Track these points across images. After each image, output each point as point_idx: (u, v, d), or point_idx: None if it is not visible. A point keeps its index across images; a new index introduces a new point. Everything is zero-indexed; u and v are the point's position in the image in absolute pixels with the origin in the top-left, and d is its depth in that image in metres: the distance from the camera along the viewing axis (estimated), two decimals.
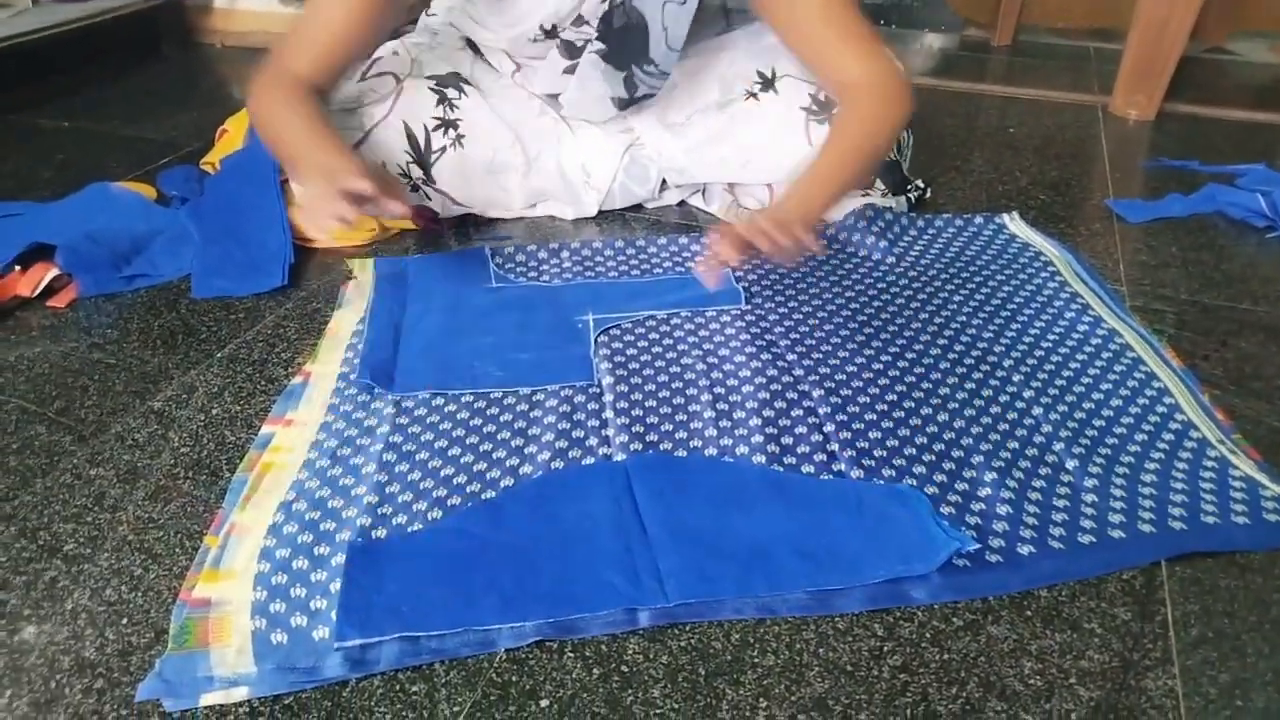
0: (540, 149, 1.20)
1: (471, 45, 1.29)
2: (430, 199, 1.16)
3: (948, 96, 1.72)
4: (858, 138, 1.03)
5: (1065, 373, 0.90)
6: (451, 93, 1.17)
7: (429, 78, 1.17)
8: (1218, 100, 1.70)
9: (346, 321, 0.98)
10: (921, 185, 1.27)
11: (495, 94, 1.20)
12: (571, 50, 1.12)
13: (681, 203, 1.29)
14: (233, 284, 1.05)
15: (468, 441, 0.80)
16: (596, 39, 1.09)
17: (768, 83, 1.17)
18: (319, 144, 0.98)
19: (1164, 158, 1.43)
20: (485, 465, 0.77)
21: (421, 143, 1.14)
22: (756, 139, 1.17)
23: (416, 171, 1.14)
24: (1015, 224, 1.19)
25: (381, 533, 0.70)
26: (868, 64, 1.05)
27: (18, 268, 1.05)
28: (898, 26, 2.20)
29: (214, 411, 0.86)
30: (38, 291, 1.03)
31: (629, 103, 1.16)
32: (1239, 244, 1.17)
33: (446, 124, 1.15)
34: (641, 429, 0.82)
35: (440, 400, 0.85)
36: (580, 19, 1.08)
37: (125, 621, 0.65)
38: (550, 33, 1.11)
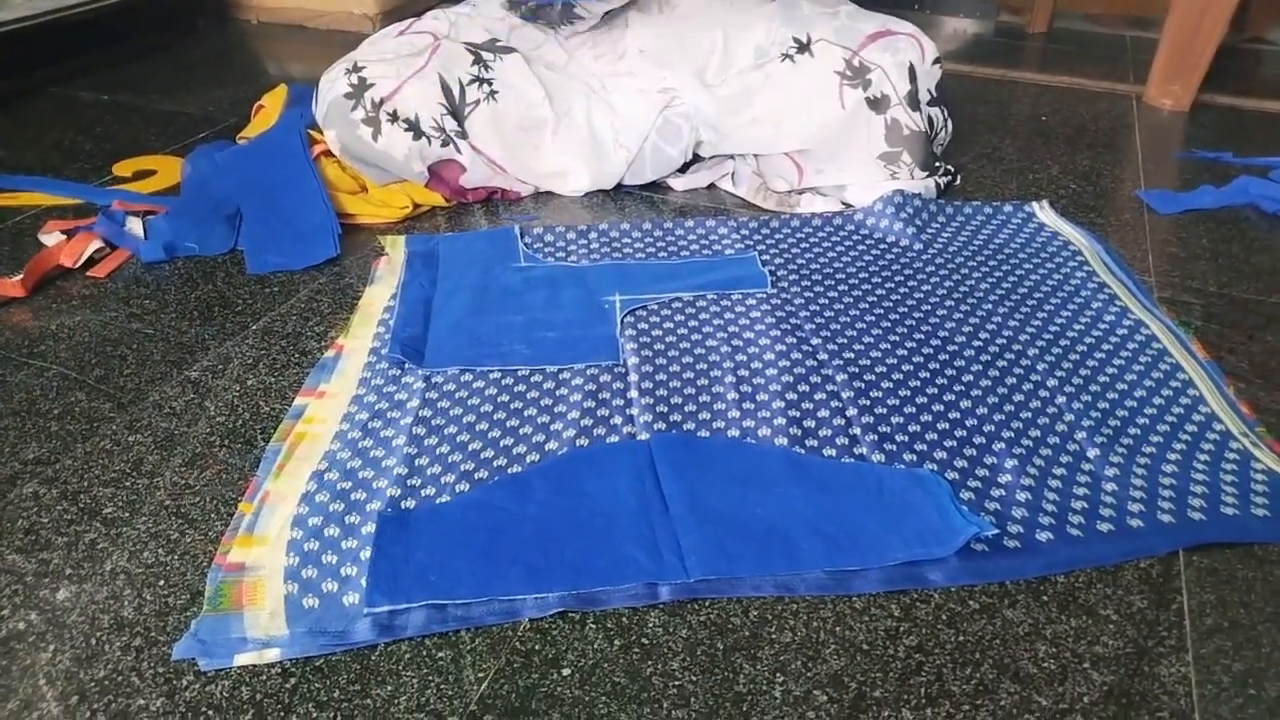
0: (571, 105, 1.21)
1: (513, 6, 1.30)
2: (461, 153, 1.17)
3: (981, 83, 1.71)
4: None
5: (1090, 362, 0.90)
6: (487, 55, 1.19)
7: (466, 42, 1.19)
8: (1256, 92, 1.68)
9: (379, 297, 1.00)
10: (951, 170, 1.27)
11: (531, 56, 1.22)
12: None
13: (710, 185, 1.30)
14: (287, 258, 1.07)
15: (495, 417, 0.82)
16: None
17: (803, 47, 1.20)
18: None
19: (1197, 149, 1.42)
20: (512, 441, 0.79)
21: (456, 95, 1.15)
22: (790, 99, 1.20)
23: (451, 124, 1.16)
24: (1045, 212, 1.19)
25: (410, 503, 0.72)
26: None
27: (63, 236, 1.08)
28: (932, 12, 2.18)
29: (249, 382, 0.88)
30: (80, 262, 1.05)
31: None
32: (1270, 237, 1.16)
33: (481, 80, 1.17)
34: (665, 409, 0.83)
35: (469, 376, 0.87)
36: None
37: (162, 583, 0.67)
38: None
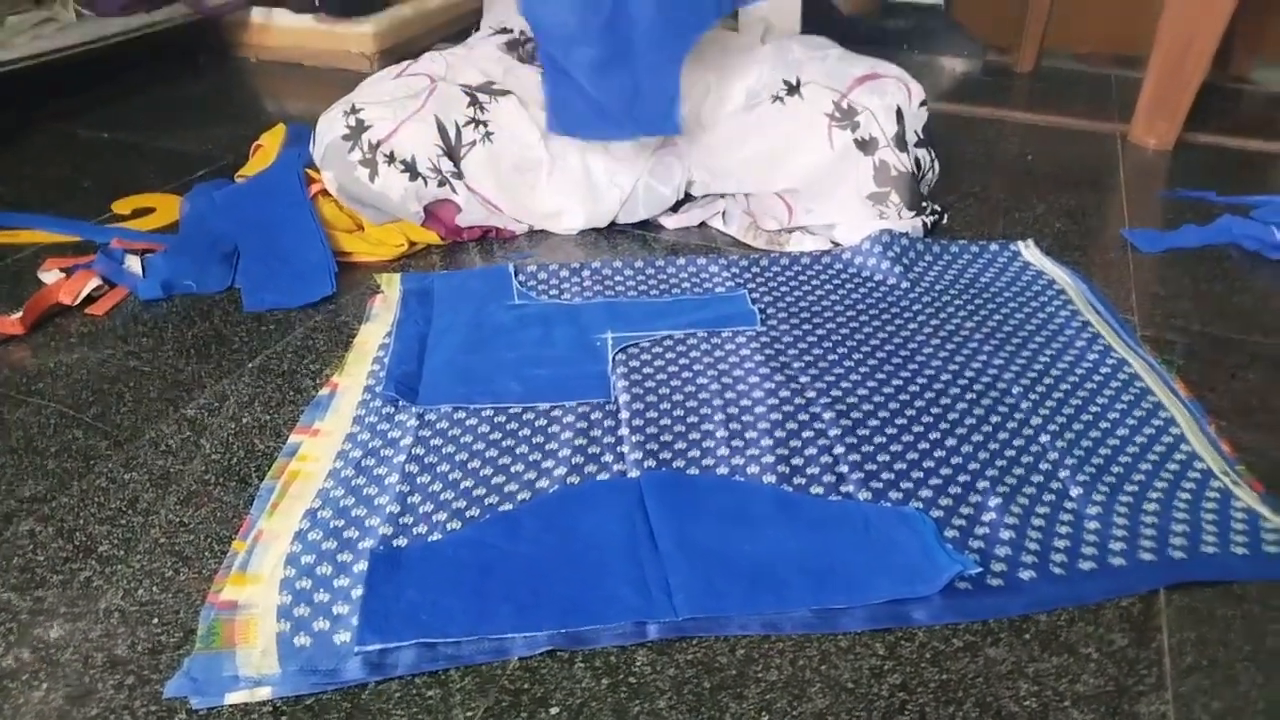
0: (565, 146, 1.23)
1: (510, 48, 1.32)
2: (456, 194, 1.19)
3: (969, 122, 1.74)
4: None
5: (1073, 400, 0.91)
6: (483, 97, 1.21)
7: (462, 84, 1.21)
8: (1238, 130, 1.71)
9: (374, 335, 1.01)
10: (939, 209, 1.29)
11: (527, 97, 1.24)
12: None
13: (702, 224, 1.31)
14: (284, 297, 1.09)
15: (487, 455, 0.83)
16: None
17: (793, 89, 1.22)
18: None
19: (1181, 188, 1.45)
20: (503, 479, 0.80)
21: (453, 137, 1.17)
22: (781, 140, 1.22)
23: (447, 165, 1.17)
24: (1030, 251, 1.21)
25: (402, 542, 0.73)
26: None
27: (62, 274, 1.09)
28: (921, 52, 2.21)
29: (244, 420, 0.89)
30: (78, 300, 1.06)
31: None
32: (1252, 276, 1.18)
33: (477, 122, 1.19)
34: (656, 446, 0.84)
35: (462, 414, 0.88)
36: None
37: (156, 621, 0.68)
38: None
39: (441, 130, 1.17)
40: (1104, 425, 0.88)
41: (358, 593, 0.68)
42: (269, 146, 1.34)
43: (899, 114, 1.20)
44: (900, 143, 1.20)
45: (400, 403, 0.89)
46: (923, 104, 1.23)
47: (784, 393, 0.92)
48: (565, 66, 1.16)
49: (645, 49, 1.16)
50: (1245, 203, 1.37)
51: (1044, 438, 0.86)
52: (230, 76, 2.00)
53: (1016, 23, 2.08)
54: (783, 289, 1.12)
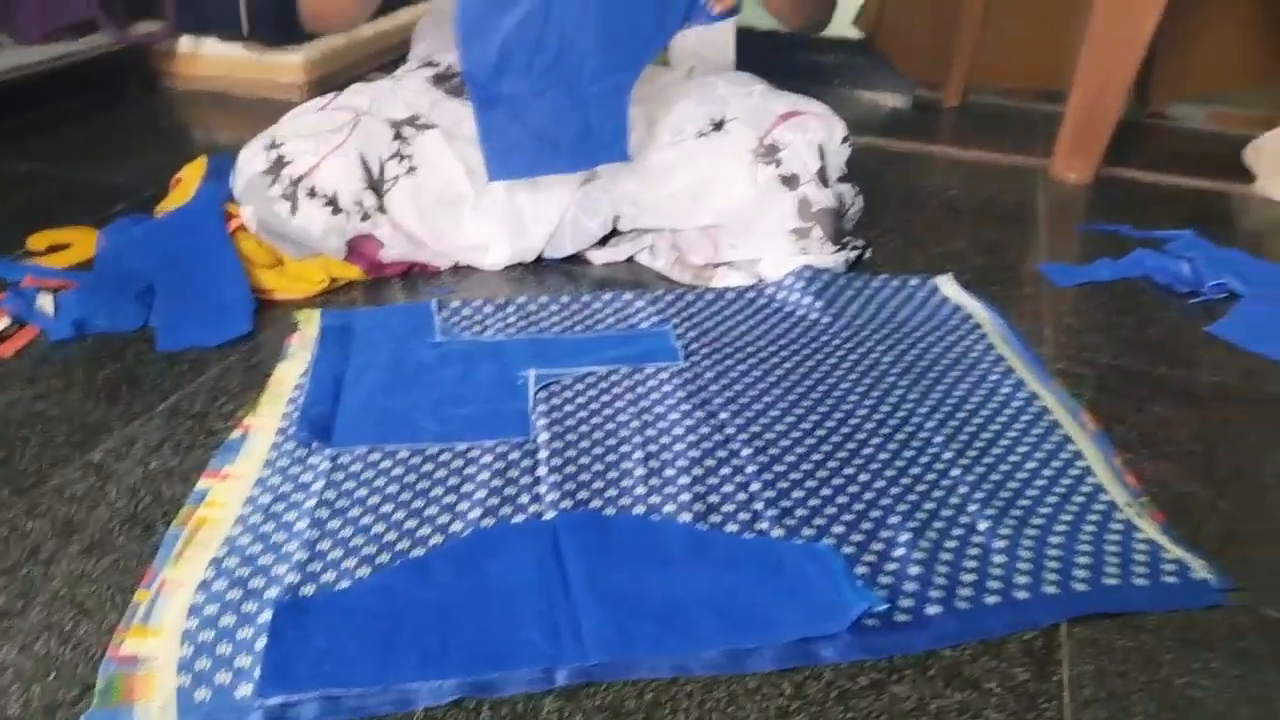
0: (490, 182, 1.23)
1: (437, 82, 1.32)
2: (379, 228, 1.18)
3: (896, 157, 1.78)
4: None
5: (985, 435, 0.93)
6: (408, 130, 1.21)
7: (386, 118, 1.21)
8: (1155, 165, 1.76)
9: (289, 374, 1.00)
10: (862, 244, 1.31)
11: (453, 131, 1.24)
12: None
13: (630, 258, 1.32)
14: (199, 335, 1.06)
15: (401, 498, 0.82)
16: None
17: (717, 125, 1.24)
18: None
19: (1098, 222, 1.49)
20: (416, 522, 0.79)
21: (376, 171, 1.17)
22: (705, 175, 1.23)
23: (370, 199, 1.17)
24: (949, 286, 1.23)
25: (310, 590, 0.72)
26: None
27: None
28: (852, 87, 2.26)
29: (152, 465, 0.87)
30: None
31: None
32: (1163, 309, 1.22)
33: (401, 156, 1.19)
34: (573, 486, 0.84)
35: (376, 456, 0.87)
36: None
37: (52, 677, 0.66)
38: None
39: (364, 164, 1.17)
40: (1013, 459, 0.89)
41: (261, 644, 0.67)
42: (189, 180, 1.32)
43: (821, 150, 1.22)
44: (823, 179, 1.21)
45: (313, 445, 0.88)
46: (845, 140, 1.25)
47: (703, 429, 0.92)
48: (511, 106, 1.17)
49: (593, 81, 1.17)
50: (1159, 237, 1.41)
51: (955, 471, 0.87)
52: (157, 106, 1.97)
53: (944, 59, 2.13)
54: (707, 324, 1.13)
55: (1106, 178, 1.69)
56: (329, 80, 2.00)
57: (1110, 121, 1.64)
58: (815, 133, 1.23)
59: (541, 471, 0.85)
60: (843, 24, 2.16)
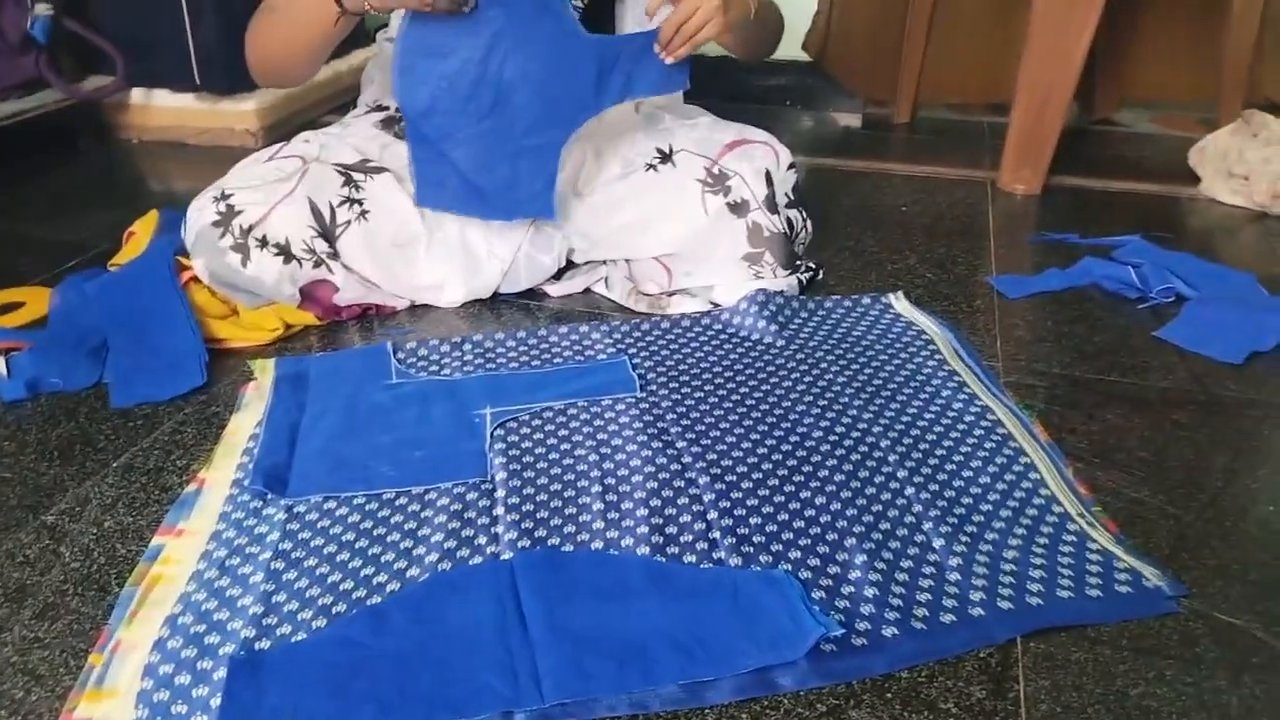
0: (444, 219, 1.23)
1: (386, 125, 1.33)
2: (333, 273, 1.18)
3: (848, 176, 1.80)
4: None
5: (938, 451, 0.94)
6: (358, 175, 1.21)
7: (336, 164, 1.21)
8: (1101, 172, 1.79)
9: (244, 425, 1.00)
10: (814, 266, 1.32)
11: (404, 173, 1.24)
12: None
13: (586, 290, 1.33)
14: (153, 390, 1.06)
15: (357, 546, 0.82)
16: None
17: (666, 157, 1.25)
18: None
19: (1047, 231, 1.51)
20: (373, 570, 0.79)
21: (327, 217, 1.17)
22: (656, 206, 1.25)
23: (322, 245, 1.16)
24: (900, 303, 1.25)
25: (265, 644, 0.71)
26: None
27: None
28: (803, 108, 2.28)
29: (106, 524, 0.86)
30: None
31: None
32: (1112, 316, 1.23)
33: (352, 201, 1.19)
34: (531, 524, 0.84)
35: (332, 504, 0.87)
36: None
37: None
38: None
39: (315, 211, 1.17)
40: (966, 474, 0.90)
41: (217, 702, 0.66)
42: (141, 234, 1.32)
43: (768, 177, 1.23)
44: (771, 205, 1.23)
45: (268, 496, 0.88)
46: (790, 167, 1.26)
47: (660, 459, 0.92)
48: (442, 149, 1.17)
49: (525, 136, 1.18)
50: (1106, 244, 1.44)
51: (909, 489, 0.88)
52: (111, 159, 1.97)
53: (892, 76, 2.16)
54: (663, 352, 1.14)
55: (1055, 187, 1.72)
56: (283, 125, 2.00)
57: (1054, 133, 1.67)
58: (762, 160, 1.24)
59: (499, 511, 0.85)
60: (791, 46, 2.18)
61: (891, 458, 0.92)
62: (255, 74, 1.28)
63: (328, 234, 1.17)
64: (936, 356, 1.11)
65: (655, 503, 0.86)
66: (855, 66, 2.19)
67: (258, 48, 1.23)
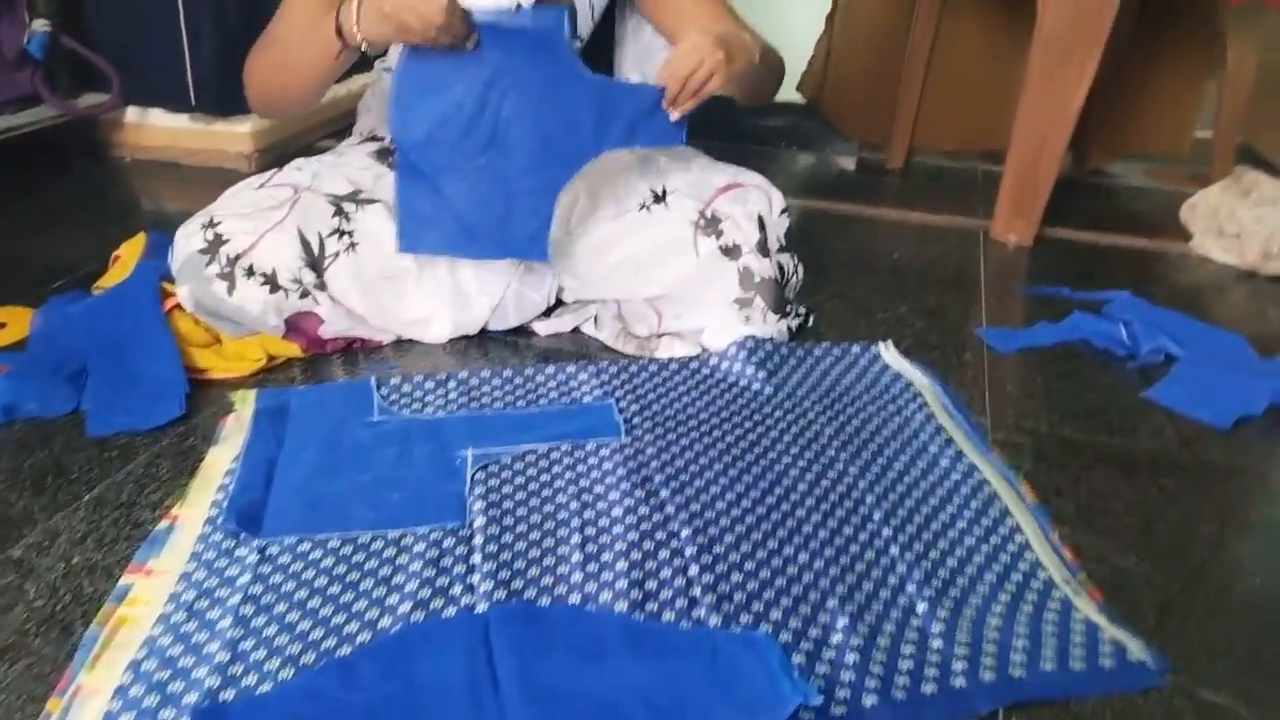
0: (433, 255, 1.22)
1: (380, 157, 1.32)
2: (319, 305, 1.17)
3: (841, 220, 1.80)
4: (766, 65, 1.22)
5: (924, 509, 0.93)
6: (349, 206, 1.20)
7: (328, 194, 1.20)
8: (1093, 225, 1.80)
9: (221, 459, 0.98)
10: (804, 312, 1.32)
11: (395, 205, 1.23)
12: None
13: (575, 329, 1.32)
14: (130, 418, 1.04)
15: (329, 592, 0.80)
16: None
17: (659, 198, 1.25)
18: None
19: (1039, 284, 1.51)
20: (344, 618, 0.77)
21: (315, 248, 1.16)
22: (647, 247, 1.24)
23: (309, 276, 1.15)
24: (889, 353, 1.24)
25: (229, 694, 0.70)
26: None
27: None
28: (799, 149, 2.29)
29: (74, 560, 0.84)
30: None
31: None
32: (1102, 373, 1.23)
33: (341, 232, 1.17)
34: (508, 574, 0.82)
35: (306, 546, 0.85)
36: (519, 5, 1.19)
37: None
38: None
39: (304, 241, 1.16)
40: (951, 535, 0.89)
41: None
42: (127, 257, 1.31)
43: (761, 221, 1.23)
44: (763, 249, 1.22)
45: (241, 535, 0.86)
46: (783, 212, 1.26)
47: (643, 509, 0.91)
48: (436, 184, 1.17)
49: (521, 176, 1.18)
50: (1096, 298, 1.44)
51: (894, 550, 0.87)
52: (104, 178, 1.96)
53: (887, 121, 2.17)
54: (650, 396, 1.13)
55: (1046, 238, 1.72)
56: (278, 148, 2.00)
57: (1047, 185, 1.67)
58: (755, 204, 1.24)
59: (476, 559, 0.84)
60: (787, 89, 2.19)
61: (877, 515, 0.91)
62: (254, 104, 1.28)
63: (316, 265, 1.16)
64: (925, 410, 1.10)
65: (636, 555, 0.85)
66: (851, 110, 2.20)
67: (258, 79, 1.23)
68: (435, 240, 1.19)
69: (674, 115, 1.14)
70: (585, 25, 1.31)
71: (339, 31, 1.11)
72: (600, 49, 1.32)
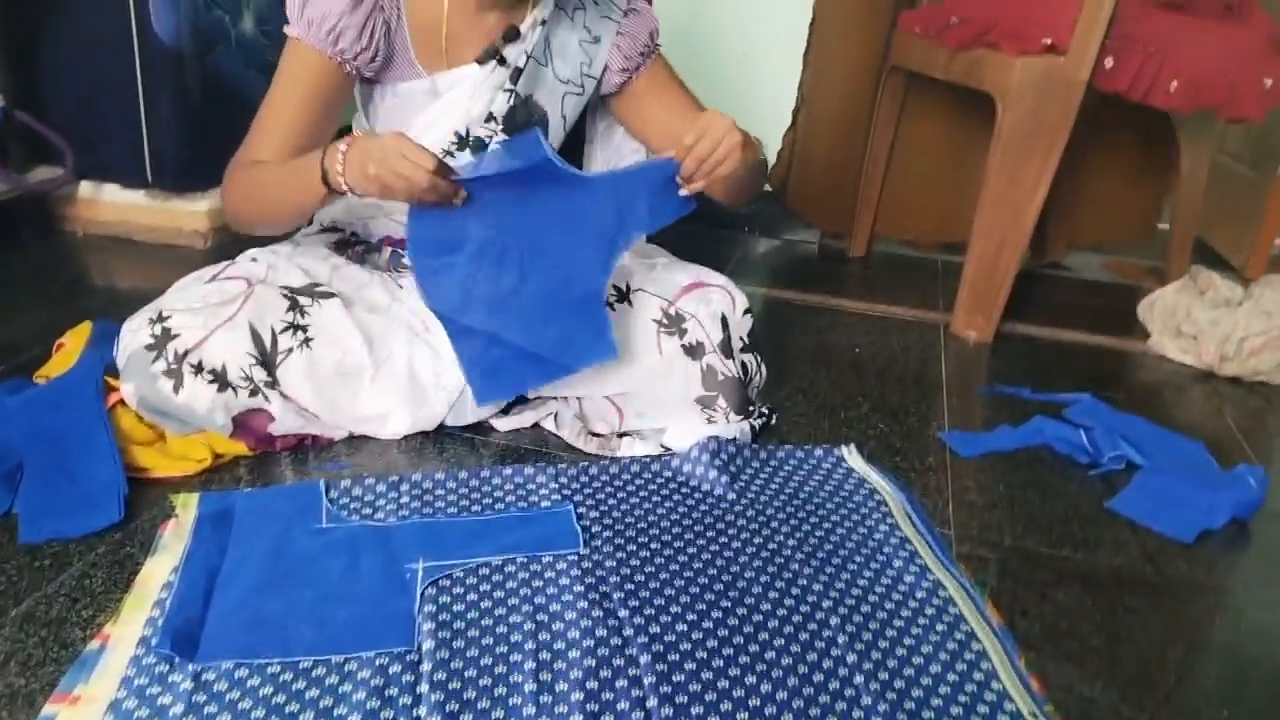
0: (392, 350, 1.20)
1: (339, 248, 1.30)
2: (270, 403, 1.13)
3: (803, 311, 1.80)
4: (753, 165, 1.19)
5: (889, 633, 0.90)
6: (304, 300, 1.17)
7: (283, 287, 1.17)
8: (1052, 320, 1.82)
9: (159, 571, 0.93)
10: (766, 411, 1.30)
11: (353, 299, 1.21)
12: (480, 146, 1.25)
13: (534, 425, 1.29)
14: (65, 524, 0.99)
15: None
16: (501, 132, 1.25)
17: (623, 295, 1.24)
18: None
19: (999, 383, 1.51)
20: None
21: (268, 344, 1.12)
22: None
23: (260, 374, 1.12)
24: (853, 458, 1.23)
25: None
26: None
27: None
28: (761, 234, 2.30)
29: None
30: None
31: None
32: (1064, 482, 1.22)
33: (296, 327, 1.14)
34: (457, 706, 0.78)
35: (244, 672, 0.81)
36: (490, 116, 1.24)
37: None
38: (463, 140, 1.23)
39: (256, 337, 1.12)
40: (917, 661, 0.87)
41: None
42: (71, 346, 1.27)
43: (724, 321, 1.22)
44: (726, 349, 1.21)
45: (177, 659, 0.81)
46: (746, 312, 1.26)
47: (600, 631, 0.88)
48: (484, 334, 1.17)
49: (564, 289, 1.16)
50: (1057, 400, 1.44)
51: (858, 679, 0.84)
52: (54, 252, 1.91)
53: (849, 210, 2.19)
54: (609, 501, 1.10)
55: (1006, 334, 1.73)
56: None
57: (1007, 282, 1.69)
58: (719, 304, 1.23)
59: (423, 688, 0.80)
60: None
61: (841, 639, 0.89)
62: (232, 221, 1.25)
63: (268, 361, 1.12)
64: (889, 520, 1.09)
65: (592, 684, 0.81)
66: (815, 200, 2.22)
67: (239, 203, 1.21)
68: (508, 385, 1.20)
69: (685, 191, 1.12)
70: (558, 136, 1.31)
71: (324, 177, 1.09)
72: (569, 149, 1.32)
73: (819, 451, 1.24)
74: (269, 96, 1.19)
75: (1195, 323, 1.63)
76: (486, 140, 1.25)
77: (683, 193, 1.13)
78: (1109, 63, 1.53)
